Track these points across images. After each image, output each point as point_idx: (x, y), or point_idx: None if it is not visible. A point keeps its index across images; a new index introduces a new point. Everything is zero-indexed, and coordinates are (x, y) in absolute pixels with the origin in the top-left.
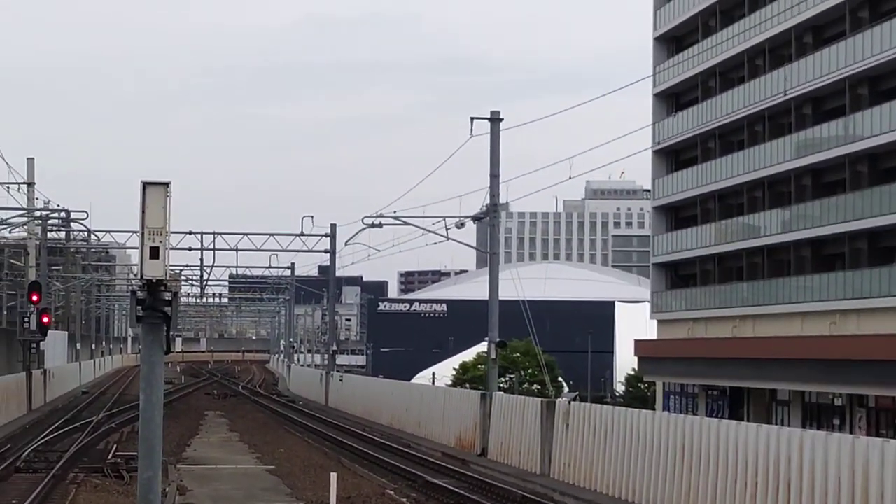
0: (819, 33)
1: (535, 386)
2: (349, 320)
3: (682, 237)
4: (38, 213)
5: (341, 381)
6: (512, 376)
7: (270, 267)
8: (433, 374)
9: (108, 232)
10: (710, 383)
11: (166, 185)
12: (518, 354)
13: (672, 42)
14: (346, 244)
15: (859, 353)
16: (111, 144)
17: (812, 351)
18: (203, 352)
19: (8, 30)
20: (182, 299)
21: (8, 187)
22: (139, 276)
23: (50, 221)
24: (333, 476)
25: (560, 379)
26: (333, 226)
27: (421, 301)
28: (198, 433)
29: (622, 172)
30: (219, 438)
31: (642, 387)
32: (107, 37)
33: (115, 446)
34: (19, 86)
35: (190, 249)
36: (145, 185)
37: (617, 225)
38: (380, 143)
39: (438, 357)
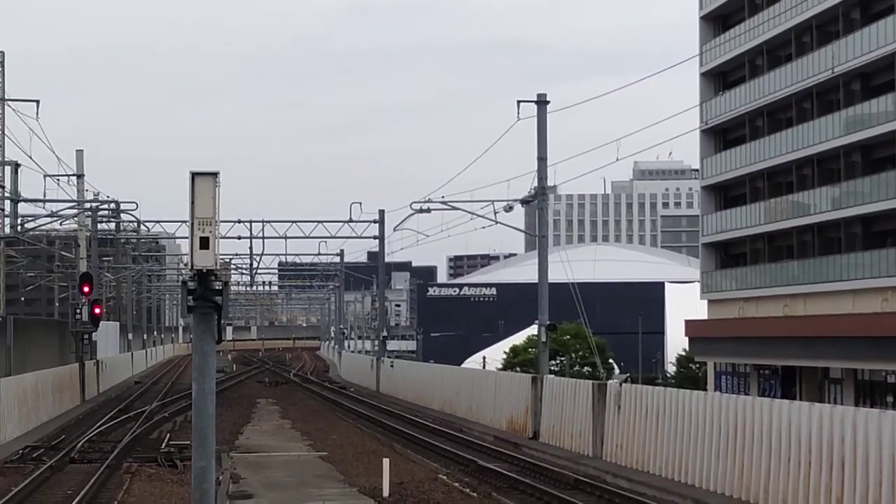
0: (866, 8)
1: (585, 368)
2: (399, 306)
3: (732, 216)
4: (87, 205)
5: (392, 366)
6: (562, 359)
7: (319, 254)
8: (483, 358)
9: (158, 222)
10: (761, 363)
11: (215, 175)
12: (568, 337)
13: (718, 20)
14: (394, 230)
15: None
16: (160, 134)
17: (864, 328)
18: (254, 340)
19: (52, 17)
20: (232, 288)
21: (58, 180)
22: (190, 267)
23: (100, 213)
24: (386, 462)
25: (611, 361)
26: (382, 212)
27: (470, 285)
28: (250, 421)
29: (670, 153)
30: (271, 426)
31: (693, 367)
32: (153, 26)
33: (168, 435)
34: (66, 77)
35: (239, 238)
36: (194, 175)
37: (665, 205)
38: (427, 129)
39: (489, 341)
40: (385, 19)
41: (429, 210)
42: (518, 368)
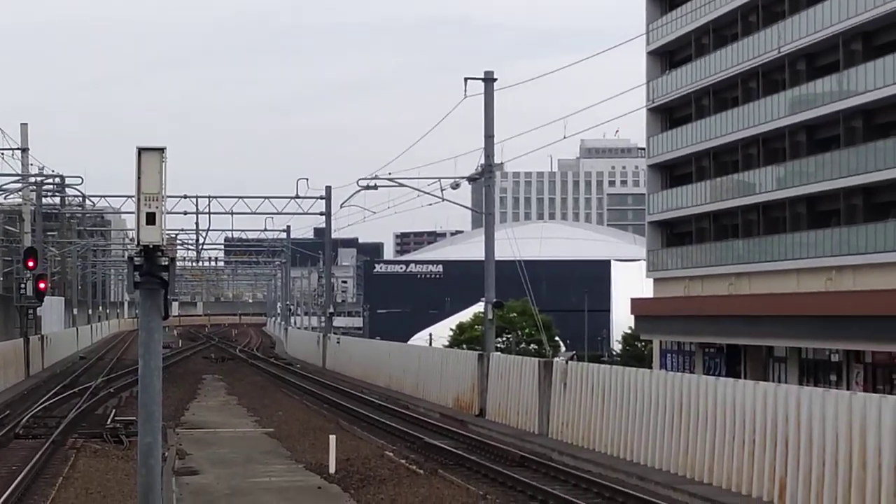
0: None
1: (532, 346)
2: (345, 282)
3: (678, 195)
4: (32, 179)
5: (338, 343)
6: (509, 336)
7: (266, 230)
8: (430, 335)
9: (103, 197)
10: (706, 341)
11: (162, 150)
12: (515, 314)
13: None
14: (341, 206)
15: (855, 309)
16: (106, 108)
17: (808, 307)
18: (200, 315)
19: None
20: (178, 263)
21: (2, 153)
22: (136, 242)
23: (45, 187)
24: (332, 438)
25: (557, 338)
26: (328, 188)
27: (417, 262)
28: (196, 397)
29: (616, 131)
30: (217, 402)
31: (639, 345)
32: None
33: (113, 411)
34: (10, 49)
35: (185, 213)
36: (141, 150)
37: (612, 184)
38: (374, 105)
39: (435, 318)
40: None
41: (375, 187)
42: (464, 346)
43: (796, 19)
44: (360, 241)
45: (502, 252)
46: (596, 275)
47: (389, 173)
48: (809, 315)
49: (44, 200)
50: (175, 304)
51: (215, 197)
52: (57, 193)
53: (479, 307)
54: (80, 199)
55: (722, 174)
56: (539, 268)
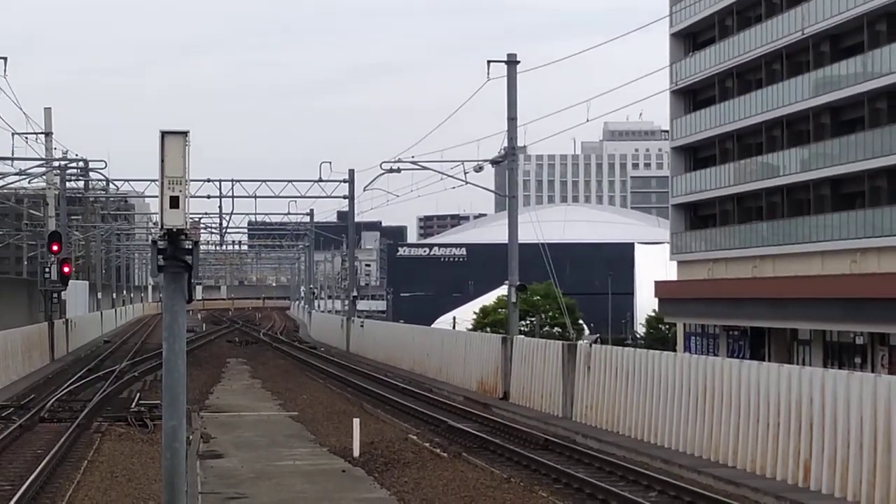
0: None
1: (555, 329)
2: (369, 266)
3: (701, 177)
4: (56, 164)
5: (362, 326)
6: (532, 319)
7: (289, 213)
8: (454, 318)
9: (127, 181)
10: (730, 324)
11: (185, 134)
12: (538, 297)
13: None
14: (364, 189)
15: (880, 291)
16: (130, 93)
17: (833, 290)
18: (224, 299)
19: None
20: (202, 247)
21: (26, 137)
22: (160, 226)
23: (68, 171)
24: (356, 422)
25: (581, 322)
26: (352, 171)
27: (440, 245)
28: (220, 381)
29: (640, 113)
30: (241, 386)
31: (663, 328)
32: None
33: (138, 395)
34: (34, 36)
35: (209, 197)
36: (164, 134)
37: (635, 166)
38: (397, 89)
39: (458, 301)
40: None
41: (399, 170)
42: (488, 329)
43: (820, 1)
44: (384, 224)
45: (526, 235)
46: (620, 258)
47: (413, 156)
48: (834, 297)
49: (67, 184)
50: (199, 288)
51: (239, 180)
52: (81, 177)
53: (502, 290)
54: (104, 182)
55: (745, 156)
56: (562, 251)
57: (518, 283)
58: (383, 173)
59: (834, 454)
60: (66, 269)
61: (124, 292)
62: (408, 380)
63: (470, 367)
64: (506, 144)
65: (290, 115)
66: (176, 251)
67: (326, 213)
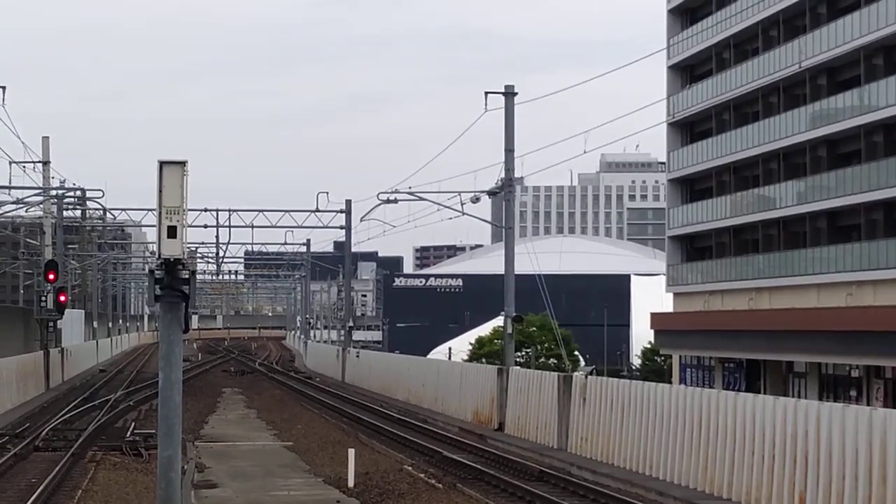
0: (833, 3)
1: (551, 360)
2: (365, 296)
3: (698, 209)
4: (53, 192)
5: (358, 356)
6: (528, 351)
7: (286, 244)
8: (449, 349)
9: (124, 210)
10: (726, 356)
11: (183, 164)
12: (534, 329)
13: (686, 14)
14: (361, 220)
15: (876, 325)
16: (127, 121)
17: (828, 322)
18: (219, 329)
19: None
20: (198, 277)
21: (24, 167)
22: (157, 256)
23: (66, 200)
24: (351, 452)
25: (576, 353)
26: (349, 202)
27: (436, 276)
28: (215, 410)
29: (637, 145)
30: (236, 415)
31: (659, 360)
32: (119, 9)
33: (133, 424)
34: (32, 64)
35: (205, 227)
36: (162, 164)
37: (632, 198)
38: (395, 119)
39: (454, 332)
40: (354, 8)
41: (395, 200)
42: (484, 360)
43: (817, 34)
44: (380, 254)
45: (522, 266)
46: (616, 289)
47: (409, 187)
48: (830, 330)
49: (65, 213)
50: (195, 318)
51: (236, 210)
52: (78, 206)
53: (498, 321)
54: (101, 212)
55: (742, 189)
56: (559, 282)
57: (514, 314)
58: (380, 204)
59: (829, 487)
60: (62, 298)
61: (120, 321)
62: (403, 410)
63: (465, 398)
64: (503, 175)
65: (288, 145)
66: (173, 281)
67: (323, 243)
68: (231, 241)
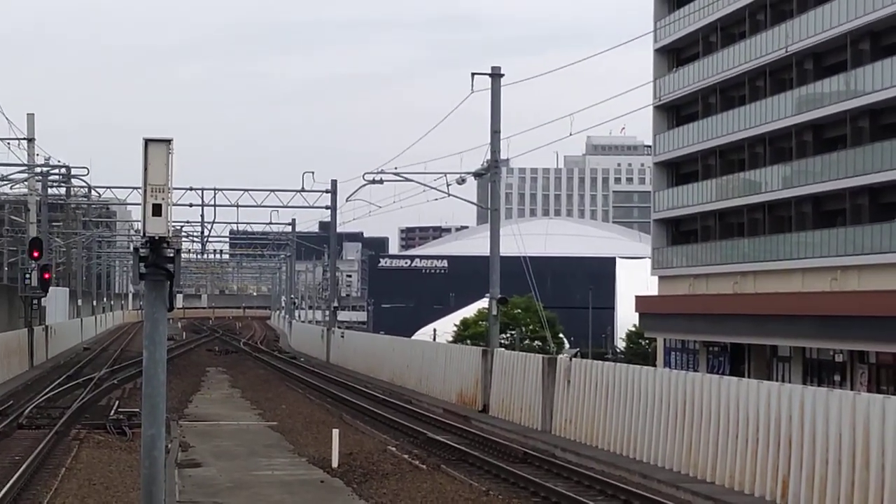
0: None
1: (536, 342)
2: (350, 276)
3: (683, 193)
4: (38, 170)
5: (342, 337)
6: (513, 332)
7: (271, 223)
8: (434, 330)
9: (109, 188)
10: (710, 339)
11: (168, 142)
12: (519, 311)
13: None
14: (346, 200)
15: (860, 310)
16: (112, 99)
17: (813, 307)
18: (204, 308)
19: None
20: (183, 256)
21: (8, 143)
22: (142, 234)
23: (50, 178)
24: (335, 432)
25: (561, 335)
26: (334, 182)
27: (422, 257)
28: (199, 389)
29: (623, 128)
30: (221, 395)
31: (643, 343)
32: None
33: (117, 403)
34: (18, 40)
35: (191, 206)
36: (147, 142)
37: (618, 181)
38: (381, 100)
39: (439, 313)
40: None
41: (381, 181)
42: (468, 341)
43: (804, 18)
44: (366, 235)
45: (507, 248)
46: (601, 272)
47: (395, 168)
48: (814, 315)
49: (49, 191)
50: (180, 297)
51: (221, 189)
52: (63, 184)
53: (483, 303)
54: (86, 189)
55: (728, 173)
56: (544, 264)
57: (499, 295)
58: (366, 184)
59: (812, 471)
60: (46, 276)
61: (104, 300)
62: (387, 391)
63: (450, 380)
64: (489, 157)
65: (274, 125)
66: (158, 259)
67: (308, 222)
68: (216, 221)
